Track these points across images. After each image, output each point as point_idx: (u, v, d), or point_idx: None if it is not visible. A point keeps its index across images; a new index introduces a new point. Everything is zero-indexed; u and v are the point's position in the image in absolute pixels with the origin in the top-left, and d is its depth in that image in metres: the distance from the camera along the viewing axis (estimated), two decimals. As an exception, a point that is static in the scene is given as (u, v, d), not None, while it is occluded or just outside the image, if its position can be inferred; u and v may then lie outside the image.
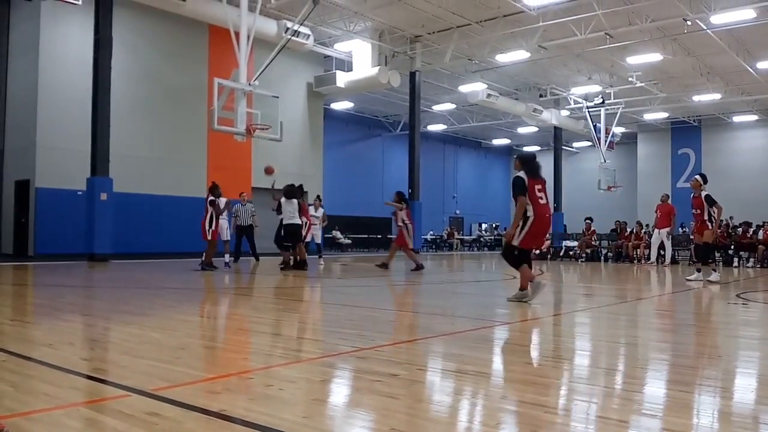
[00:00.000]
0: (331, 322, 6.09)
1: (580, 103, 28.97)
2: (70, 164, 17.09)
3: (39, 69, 17.38)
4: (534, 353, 4.52)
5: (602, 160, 29.52)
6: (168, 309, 6.63)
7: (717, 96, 27.91)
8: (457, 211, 39.33)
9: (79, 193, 16.65)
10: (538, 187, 7.04)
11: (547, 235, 12.72)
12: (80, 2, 13.72)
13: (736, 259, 17.87)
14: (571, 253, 20.51)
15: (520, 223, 6.91)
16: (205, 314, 6.86)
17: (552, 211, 7.53)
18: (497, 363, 4.13)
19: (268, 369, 3.68)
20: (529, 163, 7.15)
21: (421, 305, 8.02)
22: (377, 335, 4.92)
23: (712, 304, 8.44)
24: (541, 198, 7.04)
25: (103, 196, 15.82)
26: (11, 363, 3.75)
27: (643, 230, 19.94)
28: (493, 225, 38.43)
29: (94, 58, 15.84)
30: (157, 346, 4.41)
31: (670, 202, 17.33)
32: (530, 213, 6.89)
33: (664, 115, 32.70)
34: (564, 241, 21.24)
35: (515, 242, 6.99)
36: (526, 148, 43.27)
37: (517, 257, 7.08)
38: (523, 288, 7.10)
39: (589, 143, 33.29)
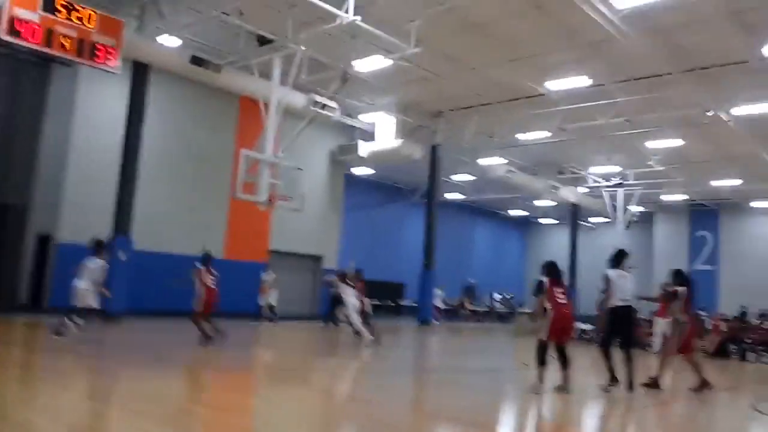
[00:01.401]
0: (336, 421, 6.10)
1: (598, 182, 29.16)
2: (92, 220, 17.46)
3: (72, 129, 18.01)
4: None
5: (619, 240, 29.44)
6: (174, 395, 6.70)
7: (737, 182, 27.96)
8: (472, 280, 39.21)
9: (100, 249, 16.93)
10: (559, 290, 8.30)
11: None
12: (119, 71, 14.30)
13: (753, 354, 17.50)
14: (585, 336, 20.24)
15: (545, 321, 8.13)
16: (211, 403, 6.92)
17: (572, 309, 8.54)
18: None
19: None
20: (551, 269, 8.48)
21: (427, 402, 8.00)
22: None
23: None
24: (561, 298, 8.27)
25: (122, 256, 16.10)
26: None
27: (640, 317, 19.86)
28: (508, 296, 38.17)
29: (126, 121, 16.42)
30: None
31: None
32: (549, 308, 8.17)
33: (683, 197, 32.72)
34: (577, 323, 20.97)
35: (542, 336, 8.14)
36: (543, 221, 43.45)
37: (543, 352, 8.09)
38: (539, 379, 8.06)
39: (607, 220, 33.33)
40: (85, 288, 10.64)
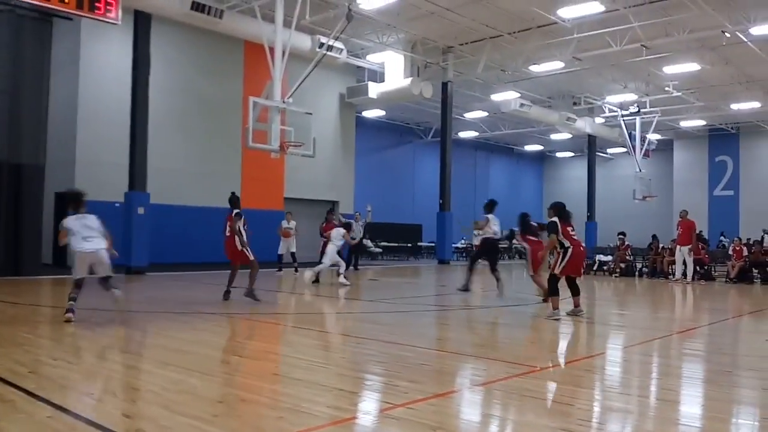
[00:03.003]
0: (362, 364, 6.13)
1: (615, 111, 28.60)
2: (108, 177, 17.48)
3: (79, 85, 17.87)
4: (574, 411, 4.50)
5: (637, 169, 29.08)
6: (205, 345, 6.76)
7: (756, 104, 27.27)
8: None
9: (117, 205, 17.02)
10: (569, 228, 9.01)
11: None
12: (119, 22, 14.00)
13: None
14: (605, 267, 20.22)
15: (560, 255, 8.88)
16: (239, 352, 6.98)
17: (584, 246, 9.64)
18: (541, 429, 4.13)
19: (303, 435, 3.75)
20: (561, 210, 9.08)
21: (451, 341, 8.05)
22: (409, 385, 4.94)
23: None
24: (574, 235, 9.07)
25: (141, 211, 16.18)
26: (56, 421, 3.89)
27: (661, 246, 19.88)
28: (525, 232, 38.05)
29: (132, 75, 16.23)
30: (195, 397, 4.53)
31: (689, 217, 17.33)
32: (568, 245, 8.86)
33: (702, 122, 32.06)
34: (597, 255, 20.94)
35: (557, 271, 8.91)
36: (560, 155, 42.95)
37: (555, 284, 8.93)
38: (555, 308, 8.87)
39: (624, 150, 32.83)
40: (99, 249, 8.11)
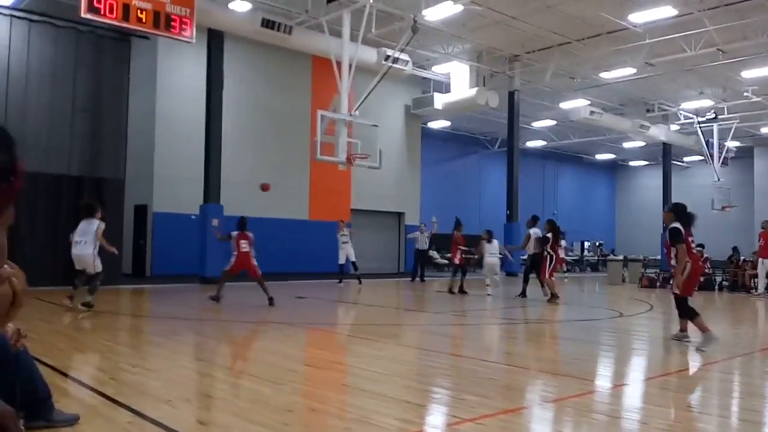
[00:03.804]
0: (429, 377, 6.11)
1: (691, 118, 27.55)
2: (184, 190, 18.16)
3: (156, 101, 18.68)
4: None
5: (716, 179, 27.89)
6: (276, 354, 6.90)
7: None
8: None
9: (193, 217, 17.64)
10: (691, 238, 7.58)
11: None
12: (194, 40, 14.56)
13: None
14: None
15: (683, 273, 7.42)
16: (309, 362, 7.09)
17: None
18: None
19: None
20: (684, 213, 7.64)
21: (520, 355, 7.91)
22: (477, 400, 4.89)
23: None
24: (693, 247, 7.71)
25: (215, 222, 16.67)
26: (135, 426, 4.05)
27: (742, 258, 19.01)
28: (597, 243, 37.08)
29: (206, 91, 16.82)
30: (266, 405, 4.61)
31: None
32: (687, 259, 7.41)
33: (785, 128, 30.47)
34: (673, 268, 20.13)
35: (677, 291, 7.59)
36: (632, 164, 41.64)
37: (686, 305, 7.57)
38: (683, 330, 7.79)
39: (701, 158, 31.53)
40: (83, 254, 9.58)
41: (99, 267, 9.74)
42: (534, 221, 14.45)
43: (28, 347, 3.18)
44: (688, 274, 7.37)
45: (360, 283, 17.07)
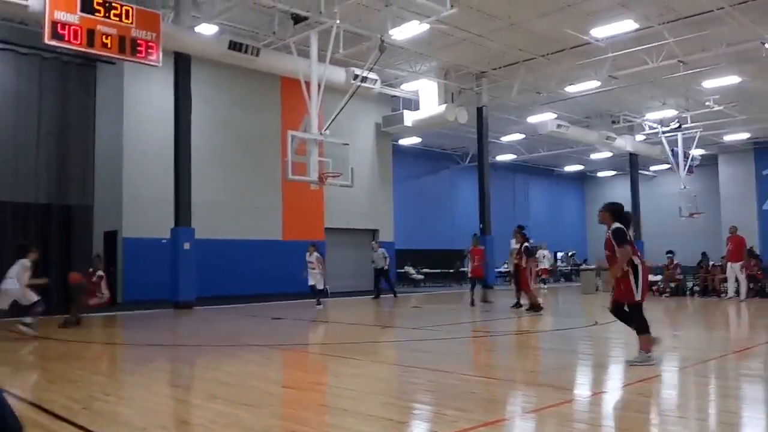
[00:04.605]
0: (409, 393, 6.08)
1: (655, 128, 28.17)
2: (154, 214, 17.93)
3: (123, 125, 18.49)
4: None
5: (682, 186, 28.48)
6: (252, 377, 6.80)
7: (802, 115, 26.53)
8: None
9: (164, 241, 17.40)
10: (630, 238, 6.93)
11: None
12: (160, 64, 14.46)
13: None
14: (654, 288, 19.70)
15: (632, 277, 6.76)
16: (286, 383, 7.00)
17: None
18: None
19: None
20: (622, 213, 7.05)
21: (499, 367, 7.92)
22: (457, 414, 4.87)
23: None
24: (636, 248, 6.99)
25: (186, 246, 16.49)
26: (111, 456, 3.95)
27: (712, 263, 19.45)
28: (569, 253, 37.48)
29: (174, 114, 16.69)
30: (244, 429, 4.53)
31: (739, 233, 16.96)
32: (637, 262, 6.83)
33: (746, 135, 31.32)
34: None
35: (637, 298, 6.82)
36: (600, 174, 42.36)
37: (638, 314, 6.89)
38: (647, 351, 6.80)
39: (668, 166, 32.18)
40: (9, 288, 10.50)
41: (33, 297, 10.62)
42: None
43: (-4, 379, 3.08)
44: (642, 275, 6.83)
45: (318, 303, 15.98)
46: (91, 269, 12.70)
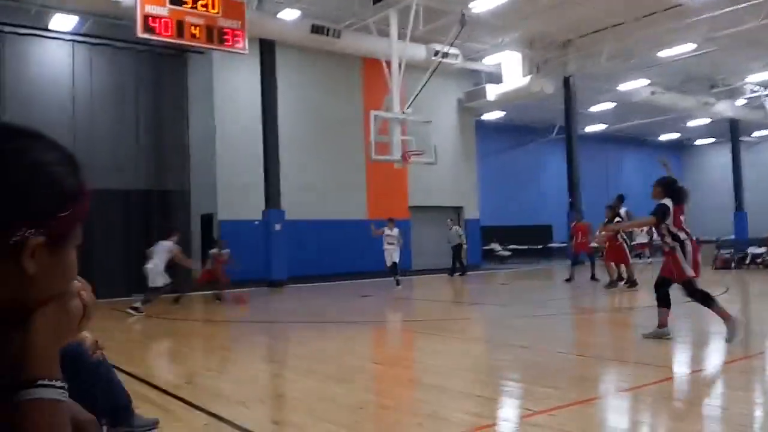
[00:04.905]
0: (497, 370, 6.06)
1: (757, 91, 26.34)
2: (246, 197, 18.58)
3: (215, 113, 19.16)
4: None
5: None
6: (343, 353, 6.98)
7: None
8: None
9: (256, 223, 18.03)
10: (682, 216, 6.71)
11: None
12: (246, 51, 14.89)
13: None
14: (758, 260, 18.59)
15: (679, 253, 6.55)
16: (377, 359, 7.14)
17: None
18: (682, 433, 3.89)
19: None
20: (674, 188, 6.80)
21: (592, 345, 7.75)
22: (548, 391, 4.82)
23: None
24: (686, 225, 6.78)
25: (277, 227, 17.04)
26: (212, 428, 4.18)
27: None
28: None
29: (261, 100, 17.16)
30: (338, 404, 4.68)
31: None
32: (684, 237, 6.62)
33: None
34: (749, 247, 19.31)
35: (690, 274, 6.55)
36: (699, 142, 40.12)
37: (695, 290, 6.61)
38: (662, 325, 6.78)
39: (772, 132, 30.13)
40: (152, 268, 11.24)
41: (158, 282, 11.16)
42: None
43: (106, 356, 3.34)
44: (692, 251, 6.61)
45: (398, 284, 15.44)
46: (217, 250, 14.14)
